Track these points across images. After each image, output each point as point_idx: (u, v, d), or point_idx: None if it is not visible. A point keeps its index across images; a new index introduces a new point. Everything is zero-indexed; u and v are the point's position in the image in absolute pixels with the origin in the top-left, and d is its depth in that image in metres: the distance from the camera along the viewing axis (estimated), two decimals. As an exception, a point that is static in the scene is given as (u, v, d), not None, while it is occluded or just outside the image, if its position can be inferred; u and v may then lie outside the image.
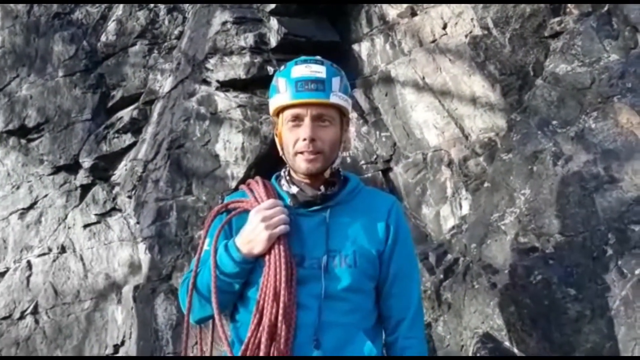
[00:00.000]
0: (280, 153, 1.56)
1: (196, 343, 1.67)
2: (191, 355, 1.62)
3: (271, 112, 1.56)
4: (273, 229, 1.41)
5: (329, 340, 1.42)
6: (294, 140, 1.48)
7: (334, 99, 1.47)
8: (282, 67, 1.54)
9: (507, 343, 2.15)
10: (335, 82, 1.48)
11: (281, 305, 1.38)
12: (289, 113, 1.48)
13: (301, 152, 1.47)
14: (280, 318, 1.37)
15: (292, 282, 1.41)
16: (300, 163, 1.48)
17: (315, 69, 1.48)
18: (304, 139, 1.45)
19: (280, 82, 1.50)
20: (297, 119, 1.47)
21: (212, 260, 1.44)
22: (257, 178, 1.58)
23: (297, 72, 1.47)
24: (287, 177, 1.55)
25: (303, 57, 1.54)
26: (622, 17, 2.37)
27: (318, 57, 1.54)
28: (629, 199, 1.99)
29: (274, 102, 1.52)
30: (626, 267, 1.92)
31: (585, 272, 2.00)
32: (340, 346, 1.43)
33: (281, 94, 1.49)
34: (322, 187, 1.52)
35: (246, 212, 1.49)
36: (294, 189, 1.51)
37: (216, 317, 1.39)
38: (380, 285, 1.53)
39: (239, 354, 1.40)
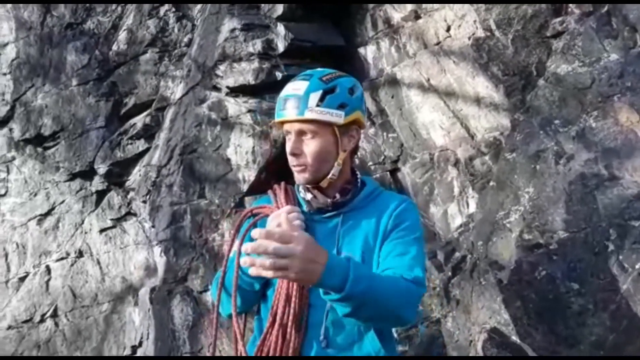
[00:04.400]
0: None
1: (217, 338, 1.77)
2: (218, 348, 1.72)
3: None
4: None
5: (338, 337, 1.50)
6: (288, 154, 1.58)
7: (309, 114, 1.49)
8: None
9: (514, 337, 2.21)
10: (314, 97, 1.50)
11: (292, 306, 1.47)
12: (284, 129, 1.59)
13: (292, 165, 1.57)
14: (291, 318, 1.47)
15: (304, 285, 1.49)
16: (295, 175, 1.59)
17: (296, 87, 1.53)
18: (290, 154, 1.55)
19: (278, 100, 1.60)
20: (289, 134, 1.57)
21: (236, 262, 1.54)
22: (282, 184, 1.69)
23: (285, 90, 1.56)
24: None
25: (304, 72, 1.60)
26: (621, 17, 2.41)
27: (310, 71, 1.58)
28: (629, 195, 2.05)
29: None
30: (627, 261, 1.98)
31: (587, 267, 2.06)
32: (348, 345, 1.50)
33: (275, 111, 1.60)
34: (337, 195, 1.58)
35: (268, 216, 1.60)
36: (309, 196, 1.60)
37: (233, 313, 1.51)
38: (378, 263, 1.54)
39: (255, 350, 1.49)
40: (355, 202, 1.59)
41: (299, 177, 1.57)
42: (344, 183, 1.61)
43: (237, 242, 1.60)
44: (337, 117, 1.53)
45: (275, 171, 3.34)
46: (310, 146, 1.54)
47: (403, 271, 1.44)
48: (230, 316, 1.62)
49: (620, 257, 1.99)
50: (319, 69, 1.60)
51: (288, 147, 1.55)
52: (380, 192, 1.66)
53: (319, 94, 1.52)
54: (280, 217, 1.52)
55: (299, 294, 1.47)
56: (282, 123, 1.57)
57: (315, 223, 1.57)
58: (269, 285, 1.57)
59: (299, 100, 1.51)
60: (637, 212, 2.01)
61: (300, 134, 1.54)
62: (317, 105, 1.50)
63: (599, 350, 1.99)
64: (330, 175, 1.57)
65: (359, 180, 1.65)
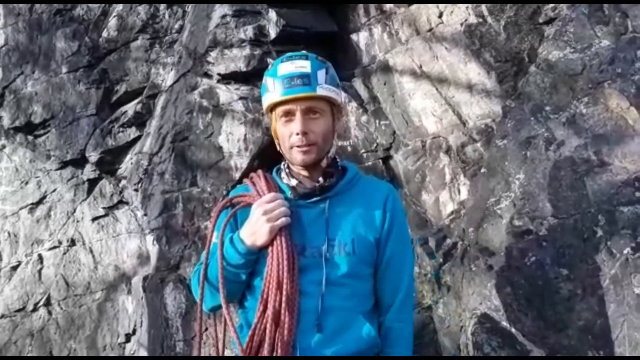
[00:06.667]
0: (278, 148, 1.63)
1: (206, 329, 1.76)
2: (203, 341, 1.70)
3: (264, 110, 1.62)
4: (274, 222, 1.48)
5: (331, 323, 1.50)
6: (288, 135, 1.54)
7: (321, 91, 1.52)
8: (270, 66, 1.60)
9: (504, 322, 2.23)
10: (321, 74, 1.53)
11: (284, 293, 1.46)
12: (280, 110, 1.55)
13: (297, 146, 1.53)
14: (283, 305, 1.45)
15: (294, 271, 1.49)
16: (296, 156, 1.55)
17: (300, 65, 1.53)
18: (297, 133, 1.52)
19: (268, 81, 1.56)
20: (289, 114, 1.53)
21: (219, 252, 1.52)
22: (259, 172, 1.65)
23: (283, 70, 1.53)
24: (287, 170, 1.62)
25: (288, 54, 1.59)
26: (612, 4, 2.41)
27: (303, 52, 1.60)
28: (618, 181, 2.05)
29: (265, 101, 1.58)
30: (615, 247, 1.99)
31: (576, 252, 2.07)
32: (340, 329, 1.51)
33: (271, 92, 1.55)
34: (320, 179, 1.58)
35: (249, 205, 1.56)
36: (293, 182, 1.58)
37: (223, 305, 1.48)
38: (376, 269, 1.61)
39: (247, 339, 1.48)
40: (340, 187, 1.60)
41: (305, 158, 1.54)
42: (327, 167, 1.61)
43: (217, 233, 1.57)
44: (338, 95, 1.59)
45: (267, 158, 3.33)
46: (319, 124, 1.54)
47: (396, 313, 1.59)
48: (212, 309, 1.62)
49: (609, 243, 2.01)
50: (295, 52, 1.59)
51: (297, 126, 1.51)
52: (360, 176, 1.68)
53: (323, 71, 1.54)
54: (265, 205, 1.51)
55: (290, 281, 1.47)
56: (281, 103, 1.53)
57: (301, 209, 1.57)
58: (255, 275, 1.55)
59: (308, 77, 1.51)
60: (625, 198, 2.02)
61: (307, 112, 1.52)
62: (326, 82, 1.53)
63: (587, 335, 2.01)
64: (330, 154, 1.60)
65: (338, 163, 1.65)
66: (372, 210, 1.60)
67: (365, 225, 1.58)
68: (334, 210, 1.57)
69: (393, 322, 1.59)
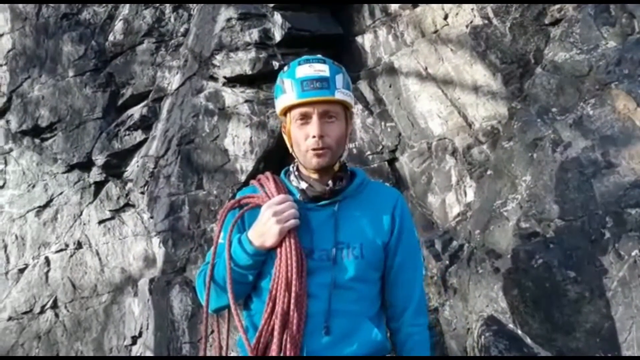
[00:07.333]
0: (290, 150, 1.62)
1: (212, 332, 1.76)
2: (209, 343, 1.71)
3: (278, 112, 1.61)
4: (284, 223, 1.48)
5: (338, 327, 1.50)
6: (303, 138, 1.54)
7: (339, 95, 1.53)
8: (286, 68, 1.59)
9: (511, 325, 2.22)
10: (339, 79, 1.55)
11: (293, 294, 1.46)
12: (296, 112, 1.54)
13: (312, 149, 1.53)
14: (292, 307, 1.45)
15: (302, 273, 1.48)
16: (310, 159, 1.55)
17: (319, 68, 1.54)
18: (313, 136, 1.52)
19: (285, 83, 1.56)
20: (305, 117, 1.53)
21: (227, 253, 1.52)
22: (267, 174, 1.66)
23: (302, 72, 1.53)
24: (296, 173, 1.62)
25: (305, 57, 1.59)
26: (619, 4, 2.40)
27: (319, 56, 1.60)
28: (625, 183, 2.04)
29: (281, 102, 1.58)
30: (623, 249, 1.98)
31: (584, 255, 2.06)
32: (348, 333, 1.51)
33: (287, 94, 1.55)
34: (330, 182, 1.58)
35: (258, 207, 1.56)
36: (303, 185, 1.58)
37: (232, 305, 1.47)
38: (386, 274, 1.61)
39: (254, 340, 1.48)
40: (349, 191, 1.60)
41: (319, 161, 1.54)
42: (337, 171, 1.61)
43: (224, 234, 1.57)
44: (352, 100, 1.61)
45: (273, 161, 3.34)
46: (335, 128, 1.55)
47: (412, 318, 1.60)
48: (216, 310, 1.61)
49: (617, 245, 2.00)
50: (311, 56, 1.59)
51: (314, 129, 1.51)
52: (368, 181, 1.68)
53: (341, 76, 1.56)
54: (275, 206, 1.51)
55: (299, 282, 1.47)
56: (298, 106, 1.53)
57: (309, 212, 1.57)
58: (262, 276, 1.55)
59: (327, 81, 1.52)
60: (633, 200, 2.01)
61: (324, 115, 1.53)
62: (343, 87, 1.55)
63: (595, 338, 2.00)
64: (342, 158, 1.61)
65: (348, 168, 1.65)
66: (381, 214, 1.60)
67: (374, 229, 1.58)
68: (342, 213, 1.57)
69: (411, 327, 1.60)
